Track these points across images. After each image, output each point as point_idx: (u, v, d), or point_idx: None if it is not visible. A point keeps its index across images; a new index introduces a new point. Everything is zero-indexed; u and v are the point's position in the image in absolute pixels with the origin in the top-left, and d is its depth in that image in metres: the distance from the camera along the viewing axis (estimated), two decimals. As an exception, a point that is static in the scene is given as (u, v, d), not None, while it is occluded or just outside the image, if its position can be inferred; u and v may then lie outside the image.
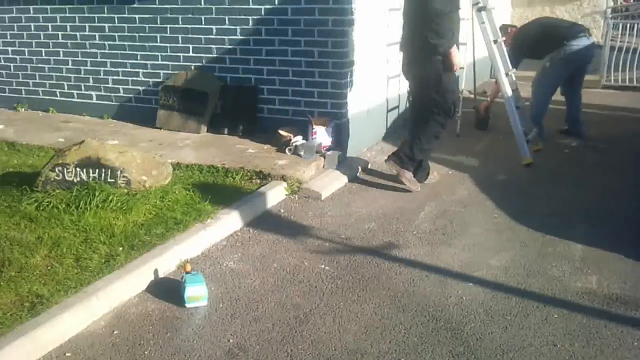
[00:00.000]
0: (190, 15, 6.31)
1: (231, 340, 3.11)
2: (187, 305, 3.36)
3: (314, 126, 5.66)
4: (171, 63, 6.52)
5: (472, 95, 8.18)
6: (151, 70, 6.63)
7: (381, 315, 3.34)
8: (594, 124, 7.33)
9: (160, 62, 6.58)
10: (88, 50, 6.88)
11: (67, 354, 2.97)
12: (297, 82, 5.99)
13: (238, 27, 6.13)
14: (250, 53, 6.13)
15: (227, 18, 6.17)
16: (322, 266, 3.91)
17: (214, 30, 6.24)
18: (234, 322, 3.25)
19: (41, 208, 4.28)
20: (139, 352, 2.99)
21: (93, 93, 7.01)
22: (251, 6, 6.03)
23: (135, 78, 6.73)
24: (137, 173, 4.50)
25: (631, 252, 4.05)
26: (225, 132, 6.25)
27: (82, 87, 7.05)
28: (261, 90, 6.16)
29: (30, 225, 4.06)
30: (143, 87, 6.72)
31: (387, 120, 6.92)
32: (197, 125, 6.29)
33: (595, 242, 4.20)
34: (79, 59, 6.97)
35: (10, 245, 3.76)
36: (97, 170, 4.44)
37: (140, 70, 6.68)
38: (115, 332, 3.16)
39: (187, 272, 3.46)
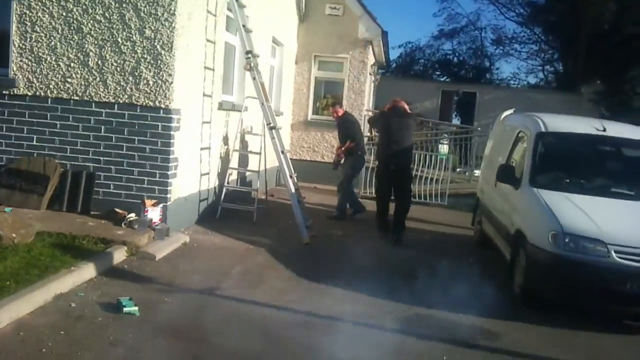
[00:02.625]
0: (36, 112, 7.51)
1: (110, 337, 4.43)
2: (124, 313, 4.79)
3: (147, 206, 7.12)
4: (14, 149, 7.55)
5: (263, 196, 10.22)
6: (-6, 154, 7.58)
7: (214, 326, 4.89)
8: (354, 222, 9.76)
9: (3, 147, 7.57)
10: None
11: (-12, 346, 4.06)
12: (130, 171, 7.44)
13: (80, 124, 7.48)
14: (90, 145, 7.47)
15: (71, 116, 7.49)
16: (166, 299, 5.37)
17: (58, 125, 7.50)
18: (110, 329, 4.56)
19: None
20: (40, 345, 4.16)
21: None
22: (94, 109, 7.45)
23: (-23, 160, 7.59)
24: (8, 231, 5.58)
25: (372, 293, 6.11)
26: (64, 209, 7.38)
27: None
28: (98, 177, 7.47)
29: None
30: (-16, 169, 7.59)
31: (199, 209, 8.58)
32: (38, 202, 7.34)
33: (352, 289, 6.21)
34: None
35: None
36: (-27, 227, 5.43)
37: (-17, 154, 7.59)
38: (20, 333, 4.30)
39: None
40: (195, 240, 7.50)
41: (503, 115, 9.51)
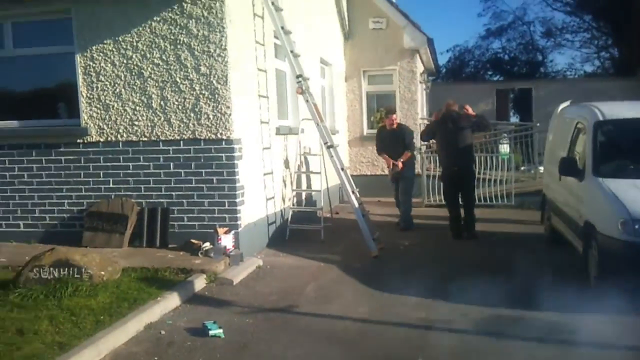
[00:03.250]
0: (110, 156, 8.01)
1: (200, 359, 4.71)
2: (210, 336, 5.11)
3: (220, 234, 7.45)
4: (94, 193, 8.07)
5: (328, 214, 10.45)
6: (75, 200, 8.11)
7: (294, 340, 5.12)
8: (420, 229, 9.86)
9: (83, 193, 8.10)
10: (16, 187, 8.23)
11: (92, 375, 4.40)
12: (201, 202, 7.82)
13: (151, 163, 7.92)
14: (161, 182, 7.91)
15: (141, 157, 7.95)
16: (247, 320, 5.63)
17: (131, 166, 7.98)
18: (199, 352, 4.85)
19: (26, 299, 5.59)
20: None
21: (20, 222, 8.27)
22: (161, 147, 7.89)
23: (60, 207, 8.14)
24: (97, 269, 5.99)
25: (447, 298, 6.20)
26: (144, 245, 7.82)
27: (10, 218, 8.29)
28: (172, 211, 7.88)
29: (21, 311, 5.37)
30: (68, 215, 8.13)
31: (268, 232, 8.88)
32: (119, 241, 7.81)
33: (424, 296, 6.30)
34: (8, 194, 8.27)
35: (15, 321, 5.06)
36: (66, 269, 5.87)
37: (66, 201, 8.13)
38: (119, 363, 4.64)
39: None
40: (268, 263, 7.78)
41: (560, 108, 9.43)
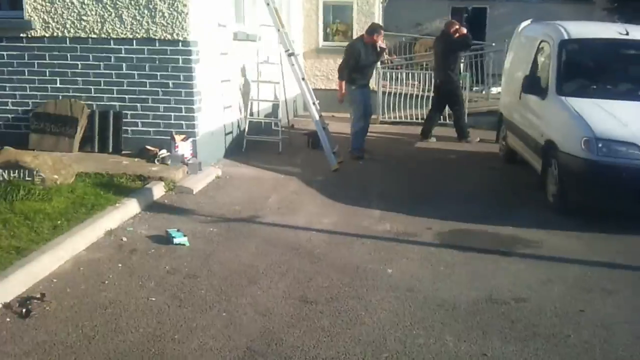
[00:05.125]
0: (56, 53, 7.47)
1: (166, 267, 4.58)
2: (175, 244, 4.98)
3: (177, 142, 7.17)
4: (39, 93, 7.57)
5: (285, 127, 10.23)
6: (20, 100, 7.59)
7: (261, 249, 5.04)
8: (377, 146, 9.81)
9: (28, 92, 7.58)
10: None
11: (54, 280, 4.21)
12: (156, 107, 7.46)
13: (101, 62, 7.43)
14: (113, 84, 7.46)
15: (90, 55, 7.44)
16: (211, 229, 5.50)
17: (80, 65, 7.47)
18: (164, 259, 4.71)
19: (-27, 201, 5.26)
20: (102, 277, 4.32)
21: (-41, 120, 7.72)
22: (112, 46, 7.38)
23: (3, 107, 7.62)
24: (50, 172, 5.68)
25: (409, 212, 6.23)
26: (96, 150, 7.46)
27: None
28: (125, 115, 7.50)
29: (-31, 214, 5.05)
30: (12, 115, 7.63)
31: (225, 143, 8.63)
32: (69, 145, 7.41)
33: (387, 209, 6.33)
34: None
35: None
36: (16, 171, 5.53)
37: (9, 100, 7.61)
38: (80, 268, 4.45)
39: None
40: (226, 173, 7.60)
41: (521, 27, 9.35)
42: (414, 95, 12.88)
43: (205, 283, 4.32)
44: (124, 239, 5.10)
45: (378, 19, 15.69)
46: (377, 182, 7.56)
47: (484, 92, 15.02)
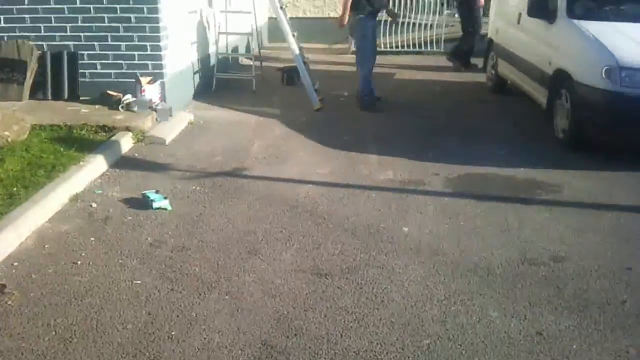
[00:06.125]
0: (-3, -13, 6.44)
1: (149, 239, 3.91)
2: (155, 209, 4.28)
3: (143, 84, 6.34)
4: (-20, 34, 6.58)
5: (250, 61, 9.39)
6: (-43, 42, 6.59)
7: (255, 210, 4.39)
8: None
9: (-33, 33, 6.58)
10: None
11: (14, 264, 3.51)
12: (117, 46, 6.56)
13: (51, -3, 6.46)
14: (66, 21, 6.52)
15: (38, -11, 6.45)
16: (193, 187, 4.80)
17: (26, 1, 6.47)
18: (145, 229, 4.03)
19: None
20: (73, 257, 3.63)
21: None
22: (62, -23, 6.40)
23: (-63, 51, 6.61)
24: (1, 129, 4.84)
25: (410, 156, 5.63)
26: (49, 97, 6.57)
27: None
28: (81, 56, 6.59)
29: None
30: (-52, 60, 6.63)
31: (194, 83, 7.79)
32: (19, 93, 6.50)
33: (385, 153, 5.72)
34: None
35: None
36: (-42, 129, 4.69)
37: (-56, 43, 6.60)
38: (46, 246, 3.75)
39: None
40: (200, 118, 6.83)
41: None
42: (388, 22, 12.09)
43: (198, 257, 3.68)
44: (94, 204, 4.38)
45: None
46: (364, 121, 6.91)
47: (456, 16, 14.26)
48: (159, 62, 6.58)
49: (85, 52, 6.59)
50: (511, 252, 3.78)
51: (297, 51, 7.55)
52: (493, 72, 8.49)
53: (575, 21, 5.89)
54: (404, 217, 4.29)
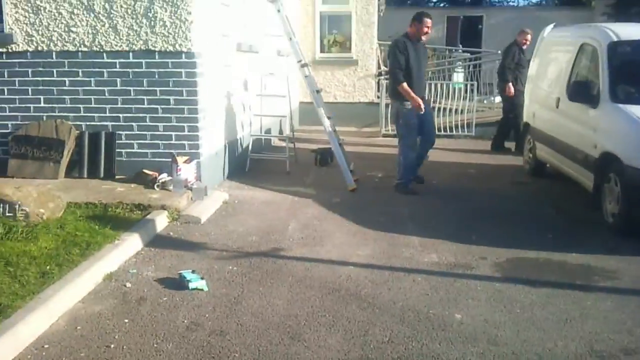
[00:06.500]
0: (40, 69, 6.58)
1: (185, 321, 3.69)
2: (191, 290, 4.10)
3: (179, 164, 6.29)
4: (21, 114, 6.66)
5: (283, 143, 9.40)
6: (-2, 122, 6.69)
7: (295, 292, 4.17)
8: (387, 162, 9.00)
9: (7, 113, 6.67)
10: None
11: (45, 346, 3.31)
12: (154, 127, 6.59)
13: (92, 78, 6.56)
14: (105, 102, 6.60)
15: (80, 71, 6.57)
16: (230, 267, 4.62)
17: (67, 82, 6.59)
18: (181, 311, 3.82)
19: (-58, 243, 4.33)
20: (106, 339, 3.42)
21: None
22: (105, 60, 6.53)
23: (-21, 130, 6.71)
24: (35, 206, 4.78)
25: (452, 238, 5.41)
26: (85, 175, 6.56)
27: None
28: (119, 136, 6.62)
29: (-63, 259, 4.12)
30: (-12, 139, 6.71)
31: (228, 163, 7.76)
32: (55, 171, 6.51)
33: (425, 235, 5.51)
34: None
35: None
36: (-5, 206, 4.62)
37: (-15, 122, 6.70)
38: (78, 327, 3.55)
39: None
40: (234, 197, 6.73)
41: (546, 32, 8.67)
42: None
43: (237, 342, 3.44)
44: (128, 284, 4.21)
45: (377, 29, 14.99)
46: (401, 203, 6.72)
47: (485, 102, 14.40)
48: (195, 142, 6.57)
49: (123, 133, 6.62)
50: (577, 344, 3.49)
51: (332, 132, 7.51)
52: (531, 155, 8.35)
53: (621, 105, 5.79)
54: (454, 303, 4.03)
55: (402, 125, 7.14)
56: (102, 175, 6.56)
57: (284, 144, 9.87)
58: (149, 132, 6.60)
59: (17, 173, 6.51)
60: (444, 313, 3.87)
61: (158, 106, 6.54)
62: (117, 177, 6.56)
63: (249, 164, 8.28)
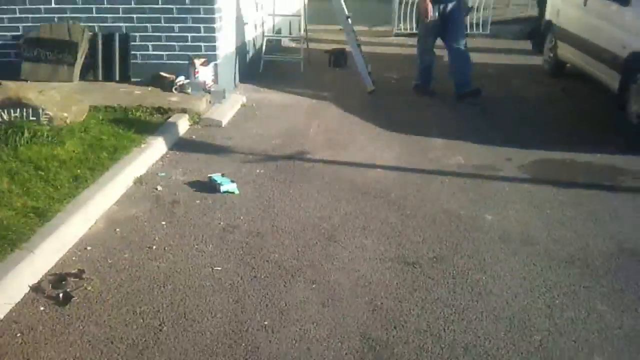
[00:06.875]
0: (49, -34, 6.31)
1: (221, 223, 3.74)
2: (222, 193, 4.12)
3: (196, 66, 6.17)
4: (31, 15, 6.45)
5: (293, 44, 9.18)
6: (8, 24, 6.48)
7: (325, 195, 4.20)
8: (403, 62, 8.82)
9: (18, 15, 6.45)
10: None
11: (87, 248, 3.37)
12: (169, 27, 6.39)
13: (103, -23, 6.30)
14: (118, 2, 6.36)
15: (90, -31, 6.30)
16: (258, 170, 4.63)
17: (77, -18, 6.34)
18: (216, 213, 3.87)
19: (-32, 148, 4.32)
20: (146, 241, 3.48)
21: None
22: (116, -44, 6.24)
23: (-11, 32, 6.52)
24: (58, 110, 4.72)
25: (475, 140, 5.40)
26: (100, 78, 6.44)
27: None
28: (133, 38, 6.44)
29: (-35, 163, 4.12)
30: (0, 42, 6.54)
31: (242, 64, 7.61)
32: (69, 74, 6.38)
33: (448, 137, 5.49)
34: None
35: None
36: (18, 110, 4.57)
37: (-5, 25, 6.50)
38: (117, 230, 3.60)
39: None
40: (252, 100, 6.65)
41: None
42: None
43: (275, 243, 3.50)
44: (159, 187, 4.23)
45: None
46: (422, 105, 6.65)
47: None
48: (212, 43, 6.40)
49: (138, 34, 6.43)
50: (607, 243, 3.55)
51: (351, 33, 7.30)
52: (551, 54, 8.17)
53: (654, 1, 5.58)
54: (484, 204, 4.07)
55: (420, 27, 7.02)
56: (117, 78, 6.44)
57: (293, 44, 9.70)
58: (164, 34, 6.41)
59: (31, 76, 6.38)
60: (474, 214, 3.91)
61: (173, 6, 6.32)
62: (132, 80, 6.45)
63: (263, 66, 8.12)
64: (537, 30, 9.18)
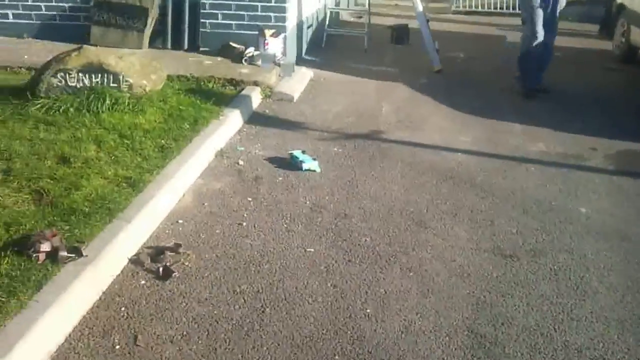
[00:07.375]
0: None
1: (307, 202, 3.68)
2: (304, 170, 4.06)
3: (266, 37, 6.07)
4: (101, -22, 6.41)
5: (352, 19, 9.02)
6: (79, -13, 6.46)
7: (409, 178, 4.11)
8: (465, 42, 8.61)
9: (88, -23, 6.43)
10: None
11: (179, 221, 3.34)
12: (240, -4, 6.30)
13: (174, -58, 6.22)
14: (189, -32, 6.29)
15: None
16: (335, 149, 4.55)
17: (148, -54, 6.26)
18: (300, 192, 3.80)
19: (52, 112, 4.32)
20: (235, 217, 3.44)
21: (9, 12, 6.62)
22: None
23: (59, -6, 6.50)
24: (138, 78, 4.68)
25: (555, 126, 5.23)
26: (169, 46, 6.40)
27: (-5, 5, 6.63)
28: (203, 5, 6.36)
29: (50, 128, 4.11)
30: (69, 4, 6.52)
31: (306, 38, 7.49)
32: (139, 40, 6.36)
33: (526, 122, 5.33)
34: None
35: (50, 144, 3.83)
36: (99, 76, 4.55)
37: (66, -14, 6.48)
38: (205, 204, 3.57)
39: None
40: (319, 75, 6.55)
41: None
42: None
43: (364, 226, 3.43)
44: (241, 162, 4.19)
45: None
46: (492, 86, 6.48)
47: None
48: (282, 14, 6.30)
49: (207, 2, 6.35)
50: None
51: (421, 9, 7.12)
52: (623, 39, 7.87)
53: None
54: (575, 195, 3.94)
55: (526, 6, 6.13)
56: (186, 46, 6.40)
57: (352, 19, 9.54)
58: (234, 2, 6.34)
59: (100, 41, 6.36)
60: (567, 206, 3.78)
61: (244, -26, 6.22)
62: (201, 49, 6.38)
63: (325, 40, 8.00)
64: (608, 14, 8.86)
